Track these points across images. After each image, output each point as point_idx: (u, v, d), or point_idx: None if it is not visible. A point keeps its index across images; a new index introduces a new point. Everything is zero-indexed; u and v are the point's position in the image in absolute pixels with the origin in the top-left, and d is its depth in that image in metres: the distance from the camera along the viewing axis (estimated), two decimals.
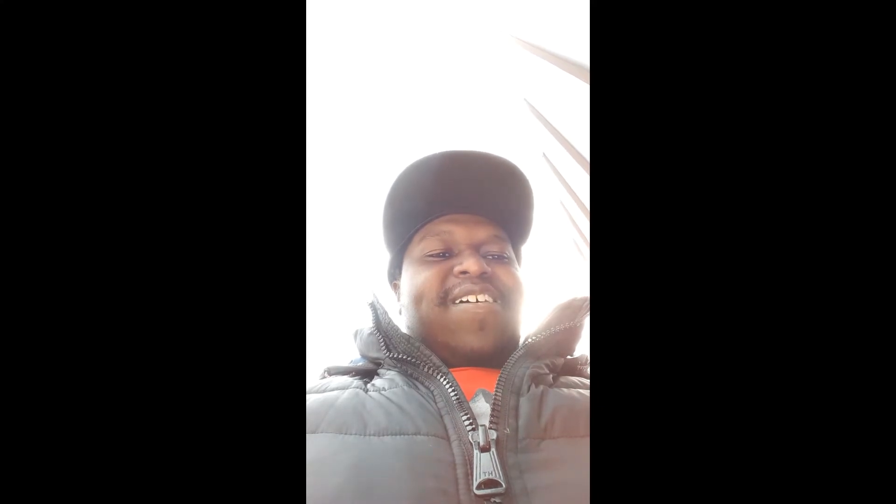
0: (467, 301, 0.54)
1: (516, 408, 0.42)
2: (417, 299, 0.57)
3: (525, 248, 0.71)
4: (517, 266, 0.64)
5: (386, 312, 0.55)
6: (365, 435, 0.39)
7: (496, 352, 0.53)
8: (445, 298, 0.56)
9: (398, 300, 0.66)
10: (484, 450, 0.37)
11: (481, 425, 0.39)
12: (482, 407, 0.43)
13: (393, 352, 0.51)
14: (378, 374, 0.52)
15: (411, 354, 0.49)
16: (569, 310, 0.56)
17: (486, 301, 0.54)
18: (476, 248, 0.59)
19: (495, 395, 0.43)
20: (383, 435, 0.39)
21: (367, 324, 0.59)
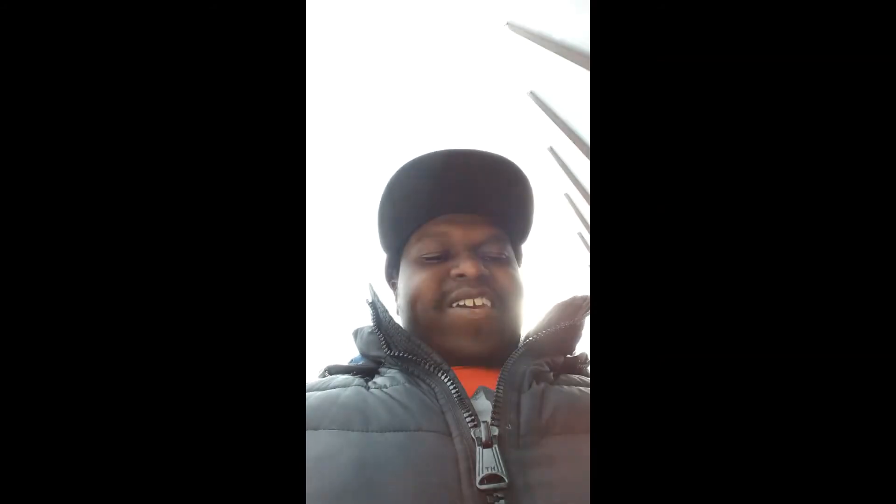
0: (464, 305, 0.54)
1: (517, 404, 0.42)
2: (413, 302, 0.57)
3: (529, 241, 0.70)
4: (517, 266, 0.63)
5: (386, 311, 0.55)
6: (367, 431, 0.39)
7: (494, 354, 0.52)
8: (442, 302, 0.55)
9: (396, 300, 0.66)
10: (486, 445, 0.37)
11: (483, 421, 0.39)
12: (483, 404, 0.43)
13: (394, 350, 0.51)
14: (379, 373, 0.52)
15: (412, 352, 0.49)
16: (569, 308, 0.55)
17: (483, 305, 0.54)
18: (473, 250, 0.59)
19: (497, 391, 0.43)
20: (385, 431, 0.39)
21: (367, 322, 0.58)
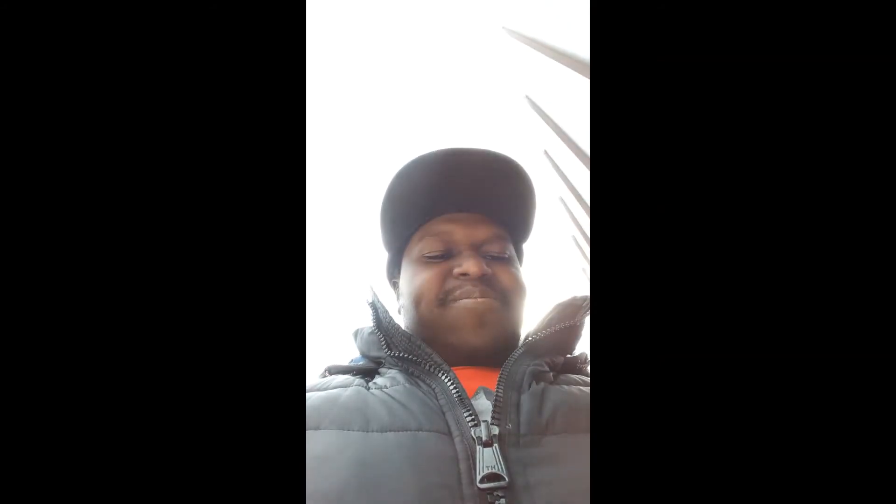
0: (467, 301, 0.54)
1: (517, 404, 0.42)
2: (417, 300, 0.57)
3: (525, 245, 0.70)
4: (518, 265, 0.63)
5: (387, 311, 0.55)
6: (368, 431, 0.39)
7: (496, 350, 0.53)
8: (444, 299, 0.55)
9: (397, 299, 0.66)
10: (486, 445, 0.37)
11: (483, 421, 0.39)
12: (483, 404, 0.43)
13: (394, 350, 0.51)
14: (379, 373, 0.52)
15: (412, 353, 0.49)
16: (569, 308, 0.56)
17: (485, 300, 0.54)
18: (476, 249, 0.59)
19: (497, 391, 0.43)
20: (386, 431, 0.39)
21: (367, 323, 0.58)
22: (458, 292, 0.55)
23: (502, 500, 0.33)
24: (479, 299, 0.54)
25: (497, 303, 0.55)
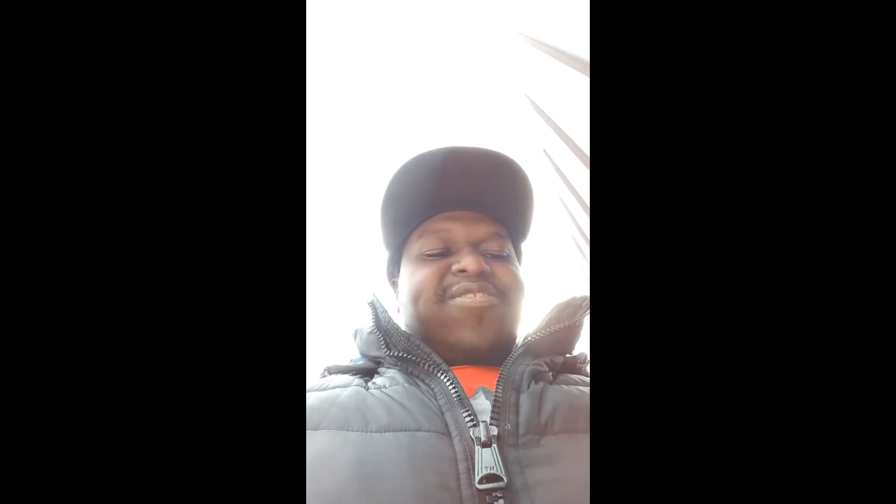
0: (465, 298, 0.54)
1: (517, 404, 0.42)
2: (415, 297, 0.57)
3: (524, 245, 0.70)
4: (517, 264, 0.63)
5: (386, 311, 0.55)
6: (367, 431, 0.39)
7: (494, 349, 0.53)
8: (443, 296, 0.55)
9: (396, 298, 0.66)
10: (485, 445, 0.37)
11: (482, 421, 0.39)
12: (482, 404, 0.43)
13: (393, 350, 0.51)
14: (378, 373, 0.52)
15: (411, 352, 0.49)
16: (568, 308, 0.56)
17: (484, 297, 0.54)
18: (475, 246, 0.59)
19: (496, 391, 0.43)
20: (385, 431, 0.39)
21: (366, 323, 0.58)
22: (455, 288, 0.55)
23: (501, 501, 0.33)
24: (477, 296, 0.54)
25: (496, 300, 0.55)
